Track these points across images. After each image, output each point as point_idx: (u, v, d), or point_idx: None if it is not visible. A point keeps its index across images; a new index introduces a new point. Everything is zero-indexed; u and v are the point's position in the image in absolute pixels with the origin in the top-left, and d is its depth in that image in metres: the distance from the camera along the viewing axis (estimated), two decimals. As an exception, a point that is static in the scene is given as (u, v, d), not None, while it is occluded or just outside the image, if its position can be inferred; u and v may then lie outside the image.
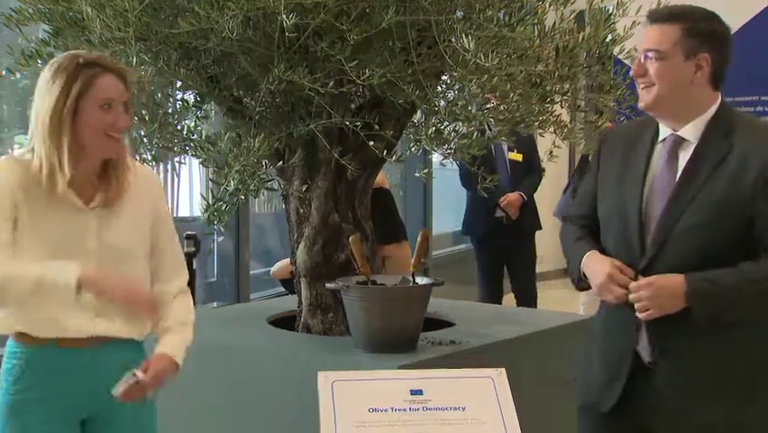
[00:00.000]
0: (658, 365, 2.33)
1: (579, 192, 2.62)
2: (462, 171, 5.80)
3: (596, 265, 2.37)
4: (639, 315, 2.25)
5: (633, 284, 2.26)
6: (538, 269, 6.45)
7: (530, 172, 5.96)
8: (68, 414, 2.37)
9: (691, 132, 2.32)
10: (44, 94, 2.25)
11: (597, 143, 2.61)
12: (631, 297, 2.26)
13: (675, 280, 2.22)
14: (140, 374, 2.27)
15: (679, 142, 2.34)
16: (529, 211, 5.98)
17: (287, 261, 4.07)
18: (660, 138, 2.38)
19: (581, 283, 2.45)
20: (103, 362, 2.33)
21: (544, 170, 5.96)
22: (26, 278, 2.21)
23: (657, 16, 2.34)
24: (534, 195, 6.05)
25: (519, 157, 5.90)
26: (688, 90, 2.30)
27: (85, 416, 2.40)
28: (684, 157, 2.32)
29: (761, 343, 2.32)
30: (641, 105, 2.36)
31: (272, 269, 5.27)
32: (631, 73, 2.38)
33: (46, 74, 2.27)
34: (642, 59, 2.32)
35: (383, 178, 4.70)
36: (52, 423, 2.34)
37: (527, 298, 6.01)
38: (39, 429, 2.34)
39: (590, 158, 2.64)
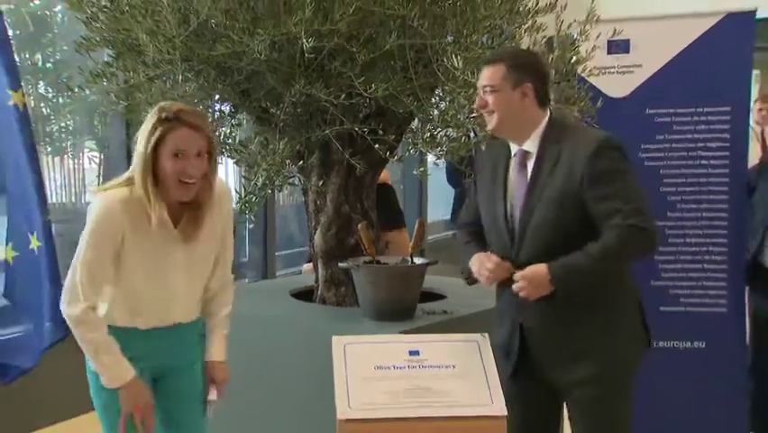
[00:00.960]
0: (537, 337, 2.41)
1: (465, 204, 2.70)
2: (448, 171, 5.75)
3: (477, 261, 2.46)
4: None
5: (515, 276, 2.34)
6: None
7: None
8: (141, 375, 2.38)
9: (531, 145, 2.42)
10: (140, 138, 2.25)
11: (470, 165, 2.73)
12: (513, 287, 2.34)
13: (541, 271, 2.31)
14: (213, 396, 2.46)
15: (525, 155, 2.43)
16: None
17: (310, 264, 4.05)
18: (512, 154, 2.46)
19: (470, 279, 2.53)
20: (165, 338, 2.39)
21: None
22: (97, 358, 2.29)
23: (487, 60, 2.46)
24: None
25: None
26: (520, 113, 2.39)
27: (155, 375, 2.44)
28: (530, 166, 2.41)
29: (614, 316, 2.40)
30: (488, 129, 2.46)
31: (303, 269, 5.25)
32: (474, 106, 2.47)
33: (147, 119, 2.27)
34: (482, 94, 2.41)
35: (386, 175, 4.67)
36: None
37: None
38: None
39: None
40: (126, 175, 2.31)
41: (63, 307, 2.30)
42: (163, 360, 2.43)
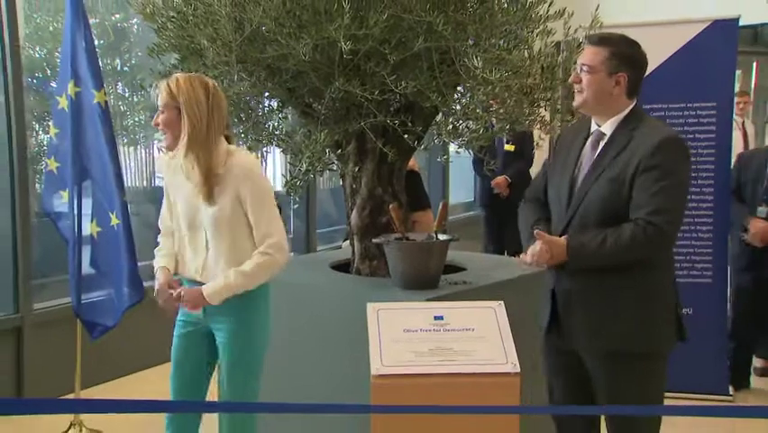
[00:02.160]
0: (562, 303, 2.28)
1: (534, 180, 2.53)
2: (474, 159, 5.63)
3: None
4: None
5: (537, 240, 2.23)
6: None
7: (519, 160, 5.67)
8: (197, 325, 2.44)
9: (608, 128, 2.23)
10: None
11: (555, 141, 2.53)
12: (529, 251, 2.25)
13: (561, 245, 2.20)
14: (172, 290, 2.38)
15: (600, 136, 2.25)
16: (519, 190, 5.69)
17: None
18: (590, 132, 2.29)
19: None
20: None
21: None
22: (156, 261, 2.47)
23: (592, 39, 2.25)
24: (526, 176, 5.82)
25: (512, 148, 5.63)
26: (608, 98, 2.21)
27: (208, 330, 2.44)
28: (601, 147, 2.24)
29: (644, 292, 2.21)
30: (574, 104, 2.29)
31: (342, 245, 5.18)
32: (570, 80, 2.29)
33: None
34: (578, 71, 2.23)
35: (414, 163, 4.59)
36: (184, 330, 2.47)
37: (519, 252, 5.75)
38: (178, 333, 2.49)
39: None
40: None
41: None
42: (207, 320, 2.39)
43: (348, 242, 3.55)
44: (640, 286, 2.19)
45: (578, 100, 2.24)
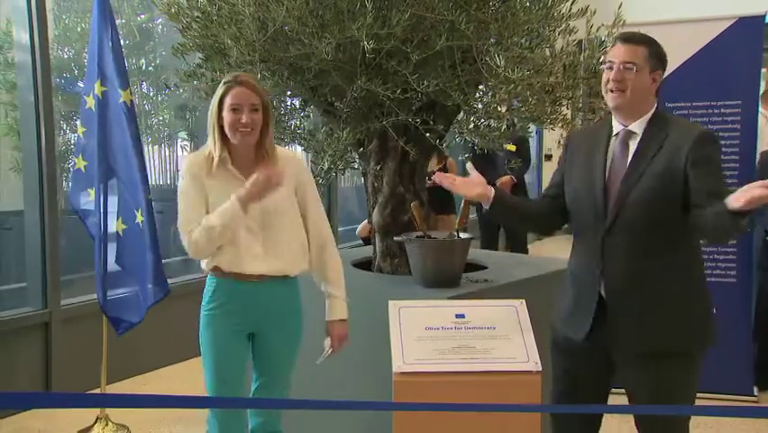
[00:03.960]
0: (613, 304, 2.18)
1: (550, 182, 2.47)
2: (471, 155, 5.54)
3: None
4: None
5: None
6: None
7: (518, 161, 5.64)
8: (240, 327, 2.40)
9: (638, 126, 2.20)
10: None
11: (563, 144, 2.45)
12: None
13: None
14: (326, 349, 2.48)
15: (629, 135, 2.21)
16: (519, 190, 5.58)
17: (366, 222, 4.03)
18: (614, 133, 2.24)
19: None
20: (263, 292, 2.37)
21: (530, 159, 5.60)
22: (213, 224, 2.30)
23: (631, 38, 2.19)
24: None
25: (514, 148, 5.60)
26: (645, 96, 2.18)
27: (250, 331, 2.42)
28: (633, 145, 2.19)
29: (688, 291, 2.16)
30: (612, 104, 2.20)
31: (357, 229, 5.20)
32: (611, 77, 2.17)
33: None
34: (620, 68, 2.16)
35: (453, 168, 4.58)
36: (228, 332, 2.38)
37: (520, 251, 5.57)
38: (220, 336, 2.38)
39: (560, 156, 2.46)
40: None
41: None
42: (256, 314, 2.38)
43: (365, 222, 3.54)
44: (680, 288, 2.15)
45: (617, 100, 2.17)
